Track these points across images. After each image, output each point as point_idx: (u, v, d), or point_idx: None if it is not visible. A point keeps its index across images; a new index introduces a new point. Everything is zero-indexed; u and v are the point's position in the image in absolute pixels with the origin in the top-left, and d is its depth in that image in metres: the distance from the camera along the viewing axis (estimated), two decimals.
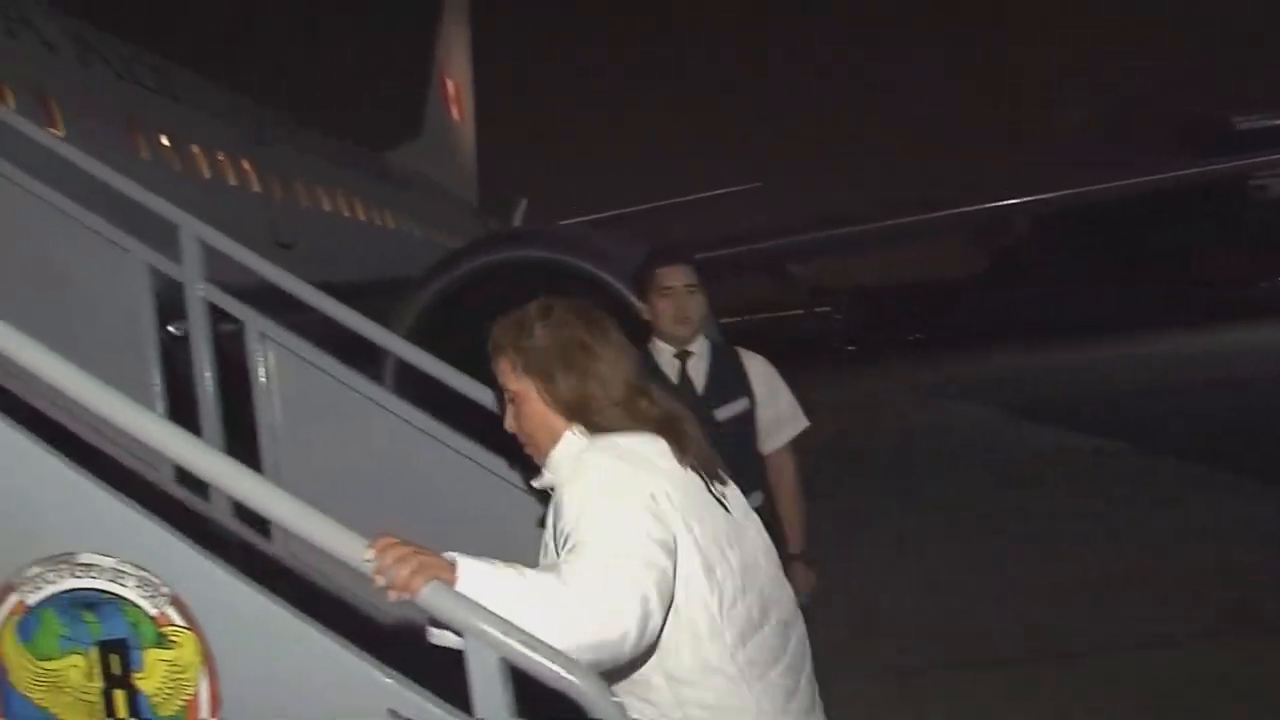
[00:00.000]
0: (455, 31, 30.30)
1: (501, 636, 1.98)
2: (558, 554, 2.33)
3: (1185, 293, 38.54)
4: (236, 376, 4.38)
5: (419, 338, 5.39)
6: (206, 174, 13.09)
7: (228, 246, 4.37)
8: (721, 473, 2.61)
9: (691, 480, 2.48)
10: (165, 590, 2.13)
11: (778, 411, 4.35)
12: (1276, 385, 17.02)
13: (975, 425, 16.99)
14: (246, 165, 14.22)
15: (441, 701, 2.08)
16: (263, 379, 4.29)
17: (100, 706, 2.18)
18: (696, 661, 2.39)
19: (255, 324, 4.28)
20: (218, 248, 4.38)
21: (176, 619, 2.14)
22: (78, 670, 2.19)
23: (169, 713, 2.16)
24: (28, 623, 2.20)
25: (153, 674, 2.16)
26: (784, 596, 2.63)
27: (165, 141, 12.33)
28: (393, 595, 2.00)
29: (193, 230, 4.36)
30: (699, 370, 4.24)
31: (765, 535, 2.67)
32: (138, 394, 2.73)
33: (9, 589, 2.20)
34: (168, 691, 2.16)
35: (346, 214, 17.64)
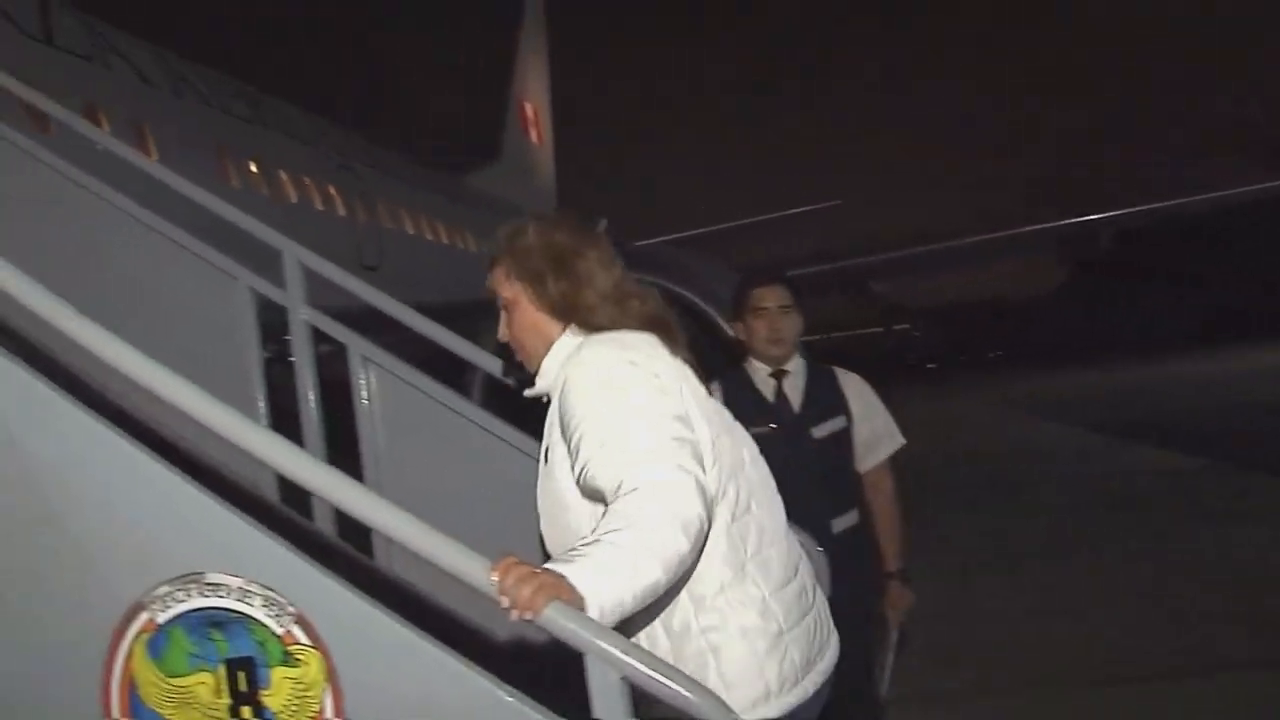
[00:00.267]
0: (533, 55, 30.51)
1: (622, 656, 2.00)
2: (568, 455, 2.39)
3: (1275, 307, 37.79)
4: (329, 396, 4.48)
5: (506, 355, 5.44)
6: (293, 198, 13.32)
7: (329, 271, 4.45)
8: (701, 372, 2.65)
9: (683, 370, 2.56)
10: (291, 609, 2.17)
11: (874, 429, 4.34)
12: None
13: (1062, 444, 16.73)
14: (332, 190, 14.44)
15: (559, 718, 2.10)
16: (365, 400, 4.37)
17: None
18: (713, 568, 2.42)
19: (357, 347, 4.37)
20: (320, 272, 4.45)
21: (302, 637, 2.18)
22: (205, 687, 2.24)
23: None
24: (157, 641, 2.25)
25: (279, 691, 2.20)
26: (779, 503, 2.70)
27: (254, 168, 12.57)
28: (515, 615, 2.01)
29: (295, 255, 4.45)
30: (795, 389, 4.26)
31: (753, 444, 2.74)
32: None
33: (139, 608, 2.25)
34: (293, 709, 2.20)
35: (428, 236, 17.83)
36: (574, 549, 2.12)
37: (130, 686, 2.27)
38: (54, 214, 4.74)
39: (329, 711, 2.18)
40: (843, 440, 4.25)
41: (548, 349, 2.63)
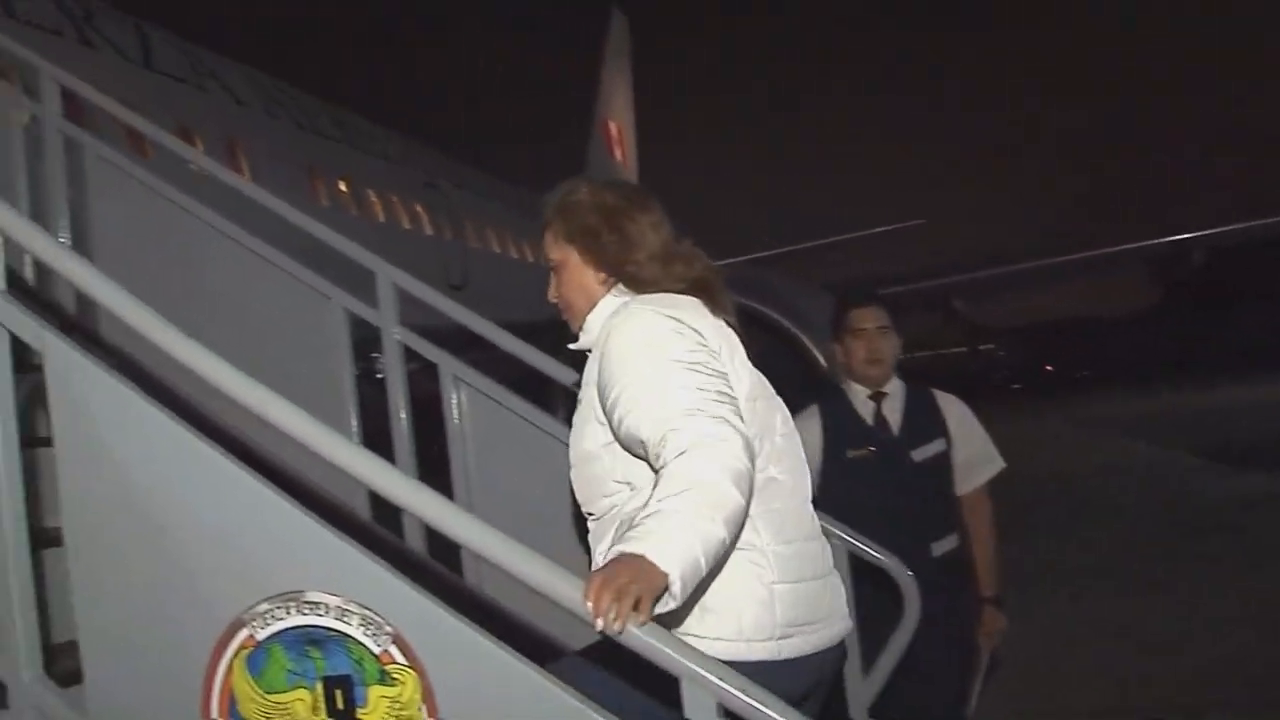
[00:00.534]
0: (617, 74, 30.64)
1: (718, 682, 2.00)
2: (602, 407, 2.47)
3: None
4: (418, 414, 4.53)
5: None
6: (381, 218, 13.49)
7: (422, 292, 4.49)
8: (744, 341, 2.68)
9: (724, 332, 2.60)
10: (388, 629, 2.19)
11: (973, 452, 4.30)
12: None
13: (1152, 466, 16.45)
14: (419, 208, 14.59)
15: None
16: (456, 419, 4.42)
17: None
18: None
19: (449, 366, 4.42)
20: (412, 293, 4.50)
21: (399, 657, 2.19)
22: (303, 704, 2.26)
23: None
24: (256, 657, 2.28)
25: (375, 710, 2.21)
26: (805, 481, 2.70)
27: (343, 187, 12.75)
28: (610, 631, 2.03)
29: (389, 276, 4.50)
30: (894, 411, 4.23)
31: (791, 422, 2.73)
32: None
33: (239, 624, 2.28)
34: None
35: (513, 254, 17.95)
36: (645, 517, 2.18)
37: (230, 701, 2.29)
38: (154, 234, 4.84)
39: None
40: (942, 464, 4.21)
41: (593, 308, 2.69)
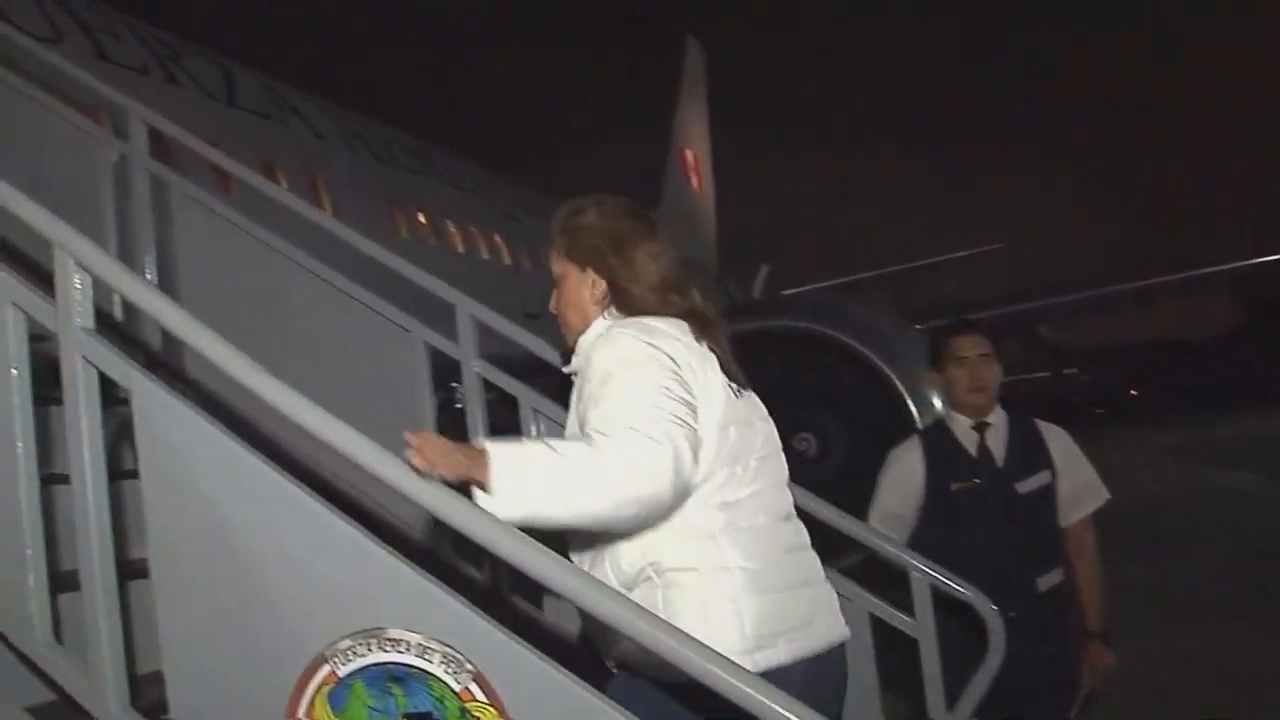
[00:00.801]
0: (693, 102, 30.68)
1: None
2: (580, 430, 2.53)
3: None
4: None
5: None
6: (460, 248, 13.60)
7: (501, 325, 4.52)
8: (740, 379, 2.72)
9: (707, 359, 2.64)
10: (469, 666, 2.19)
11: (1077, 483, 4.19)
12: None
13: (1239, 492, 16.09)
14: (497, 238, 14.70)
15: None
16: None
17: None
18: (680, 526, 2.51)
19: (528, 400, 4.44)
20: (491, 325, 4.53)
21: (479, 695, 2.19)
22: None
23: None
24: (338, 693, 2.29)
25: None
26: (783, 499, 2.74)
27: (422, 219, 12.88)
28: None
29: (468, 309, 4.53)
30: (998, 442, 4.15)
31: (775, 444, 2.78)
32: None
33: (322, 660, 2.30)
34: None
35: None
36: (533, 441, 2.38)
37: None
38: (238, 269, 4.92)
39: None
40: (1047, 495, 4.12)
41: (586, 327, 2.77)
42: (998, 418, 4.18)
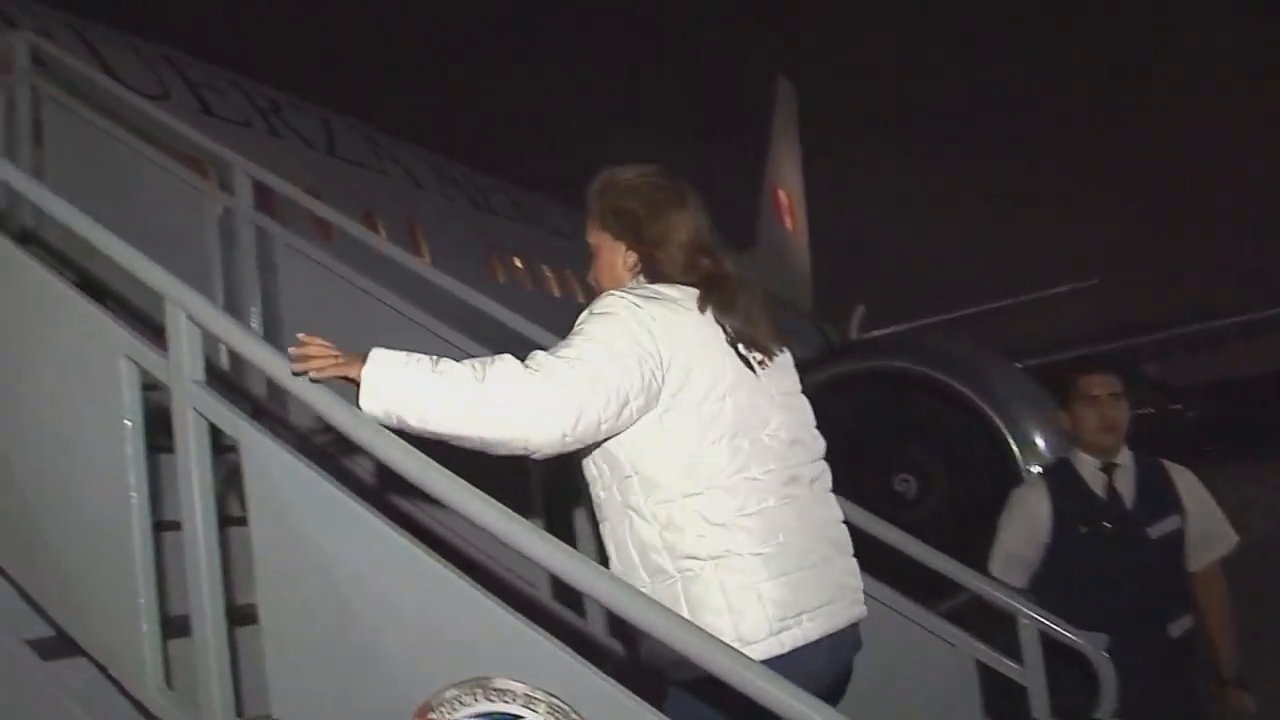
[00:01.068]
0: (785, 143, 30.67)
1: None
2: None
3: None
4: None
5: None
6: (556, 293, 13.69)
7: None
8: (770, 344, 2.78)
9: (709, 327, 2.66)
10: (575, 717, 2.19)
11: (1207, 527, 4.07)
12: None
13: None
14: None
15: None
16: None
17: None
18: (671, 484, 2.54)
19: None
20: None
21: None
22: None
23: None
24: None
25: None
26: (798, 477, 2.69)
27: (518, 263, 13.00)
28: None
29: None
30: (1126, 484, 4.03)
31: (804, 414, 2.83)
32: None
33: (427, 709, 2.30)
34: None
35: None
36: (431, 359, 2.45)
37: None
38: (341, 317, 4.99)
39: None
40: (1178, 540, 4.00)
41: None
42: (1125, 458, 4.06)
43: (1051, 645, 3.66)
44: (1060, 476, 4.16)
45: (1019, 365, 9.48)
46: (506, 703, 2.24)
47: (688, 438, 2.56)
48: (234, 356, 4.55)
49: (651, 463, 2.56)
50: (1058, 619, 3.60)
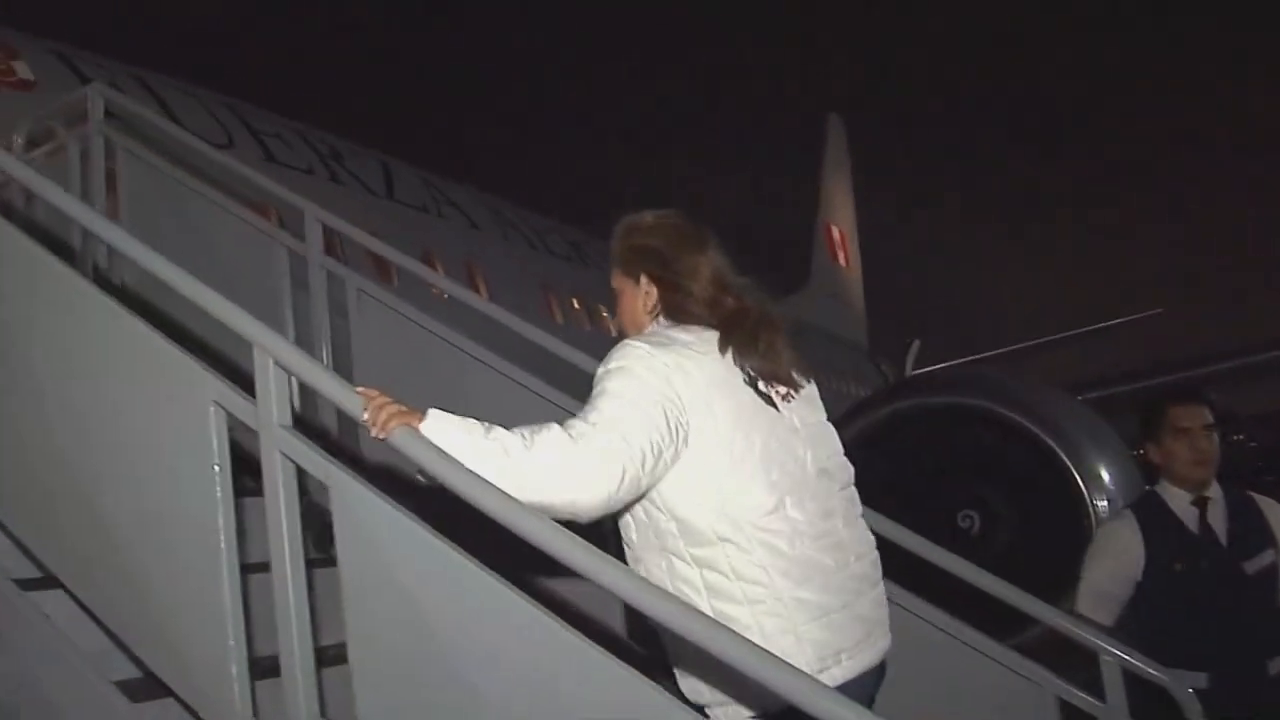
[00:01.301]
0: (837, 180, 30.65)
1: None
2: None
3: None
4: None
5: None
6: (614, 331, 13.70)
7: None
8: (794, 377, 2.81)
9: (726, 369, 2.69)
10: None
11: None
12: None
13: None
14: None
15: None
16: None
17: None
18: (709, 528, 2.58)
19: None
20: None
21: None
22: None
23: None
24: None
25: None
26: (826, 514, 2.71)
27: (575, 303, 13.05)
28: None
29: None
30: (1219, 518, 3.97)
31: (831, 444, 2.86)
32: None
33: None
34: None
35: None
36: (483, 427, 2.49)
37: None
38: (407, 358, 5.04)
39: None
40: (1273, 574, 3.92)
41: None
42: (1215, 491, 4.00)
43: (1134, 682, 3.61)
44: (1151, 511, 4.07)
45: (1081, 399, 9.39)
46: None
47: (718, 475, 2.59)
48: (305, 396, 4.63)
49: (685, 505, 2.60)
50: (1140, 655, 3.55)
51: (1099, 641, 3.66)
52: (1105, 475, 7.77)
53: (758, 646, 2.23)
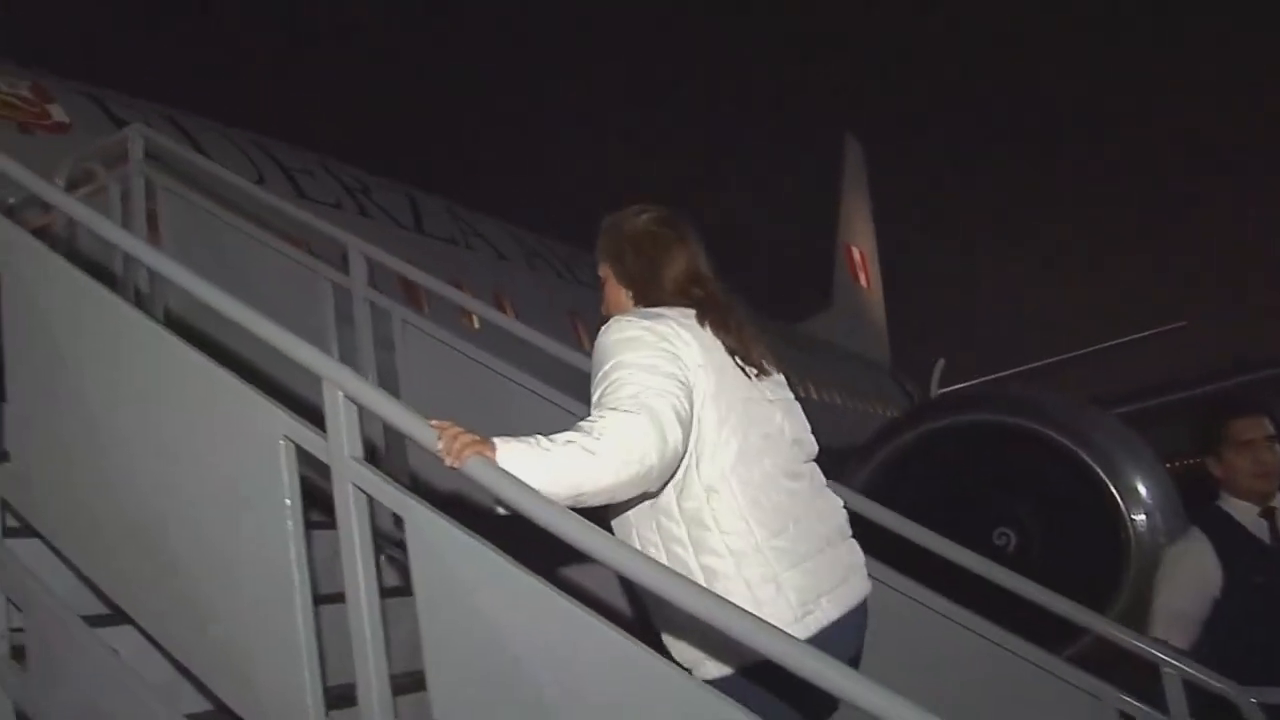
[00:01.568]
0: (856, 200, 30.64)
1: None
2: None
3: None
4: None
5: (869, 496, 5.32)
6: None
7: None
8: (765, 364, 2.98)
9: (710, 339, 2.87)
10: None
11: None
12: None
13: None
14: None
15: None
16: None
17: None
18: (695, 479, 2.74)
19: None
20: None
21: None
22: None
23: None
24: None
25: None
26: (800, 471, 2.94)
27: None
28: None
29: None
30: None
31: (803, 419, 3.03)
32: None
33: None
34: None
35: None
36: (537, 439, 2.55)
37: None
38: (453, 388, 5.07)
39: None
40: None
41: None
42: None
43: (1194, 695, 3.60)
44: (1220, 528, 4.03)
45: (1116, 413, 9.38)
46: None
47: (709, 429, 2.77)
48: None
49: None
50: (1201, 666, 3.54)
51: (1158, 653, 3.64)
52: (1142, 490, 7.77)
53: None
